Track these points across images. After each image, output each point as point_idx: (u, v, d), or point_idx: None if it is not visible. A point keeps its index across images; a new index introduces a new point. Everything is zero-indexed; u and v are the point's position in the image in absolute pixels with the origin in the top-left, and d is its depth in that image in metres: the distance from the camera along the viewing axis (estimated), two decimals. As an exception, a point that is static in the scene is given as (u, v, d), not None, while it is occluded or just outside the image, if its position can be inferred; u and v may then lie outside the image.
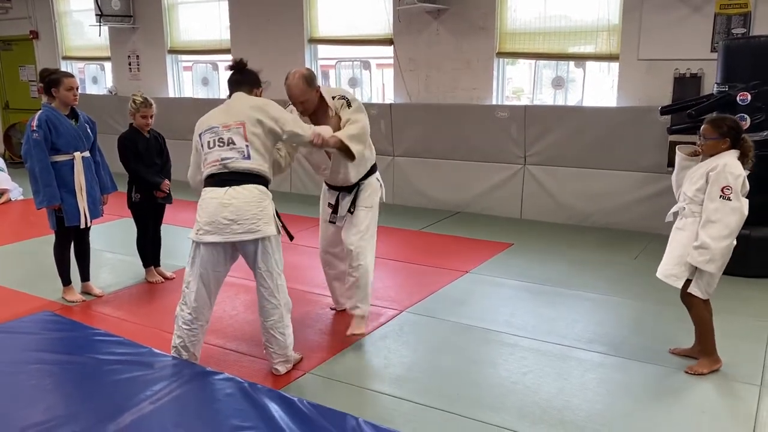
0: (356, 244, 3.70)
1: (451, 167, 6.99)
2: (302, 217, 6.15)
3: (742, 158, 3.26)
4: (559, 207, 6.50)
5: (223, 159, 3.14)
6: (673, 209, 3.47)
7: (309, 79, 3.49)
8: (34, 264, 5.19)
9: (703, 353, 3.42)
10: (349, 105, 3.57)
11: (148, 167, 4.65)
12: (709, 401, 3.16)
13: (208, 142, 3.19)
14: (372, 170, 3.85)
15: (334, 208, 3.86)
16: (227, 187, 3.11)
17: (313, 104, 3.55)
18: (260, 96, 3.43)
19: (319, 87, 3.56)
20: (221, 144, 3.15)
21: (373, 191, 3.84)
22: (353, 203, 3.78)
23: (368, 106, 7.21)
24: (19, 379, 3.18)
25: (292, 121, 3.32)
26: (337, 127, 3.51)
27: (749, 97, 4.71)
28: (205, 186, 3.21)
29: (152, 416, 2.83)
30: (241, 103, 3.28)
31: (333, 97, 3.60)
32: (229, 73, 3.43)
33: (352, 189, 3.79)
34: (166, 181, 4.71)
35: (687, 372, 3.38)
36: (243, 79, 3.38)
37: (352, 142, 3.48)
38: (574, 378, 3.36)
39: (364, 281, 3.73)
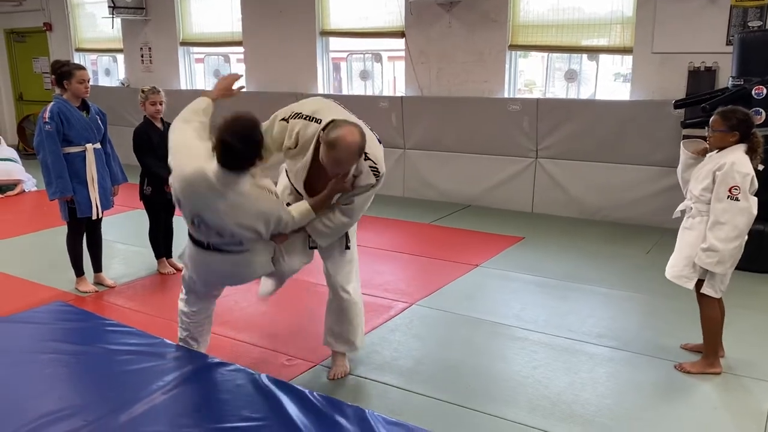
0: (351, 289, 3.21)
1: (462, 160, 6.97)
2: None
3: (751, 153, 3.16)
4: (571, 201, 6.47)
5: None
6: (680, 207, 3.41)
7: (363, 148, 2.82)
8: (47, 255, 5.23)
9: (704, 354, 3.37)
10: (372, 187, 2.96)
11: (160, 160, 4.66)
12: (720, 397, 3.14)
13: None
14: None
15: None
16: None
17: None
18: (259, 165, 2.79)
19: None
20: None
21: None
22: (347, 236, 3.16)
23: (379, 99, 7.31)
24: (32, 368, 3.21)
25: (280, 223, 2.86)
26: (346, 189, 2.95)
27: (765, 91, 4.65)
28: None
29: (164, 406, 2.86)
30: (234, 211, 2.75)
31: (366, 156, 2.88)
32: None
33: None
34: None
35: (676, 368, 3.35)
36: (231, 165, 2.68)
37: (320, 238, 3.08)
38: (584, 372, 3.35)
39: (359, 319, 3.32)
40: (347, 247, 3.19)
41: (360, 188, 2.96)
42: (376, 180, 2.94)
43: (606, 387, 3.22)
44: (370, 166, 2.90)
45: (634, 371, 3.37)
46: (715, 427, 2.88)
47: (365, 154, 2.87)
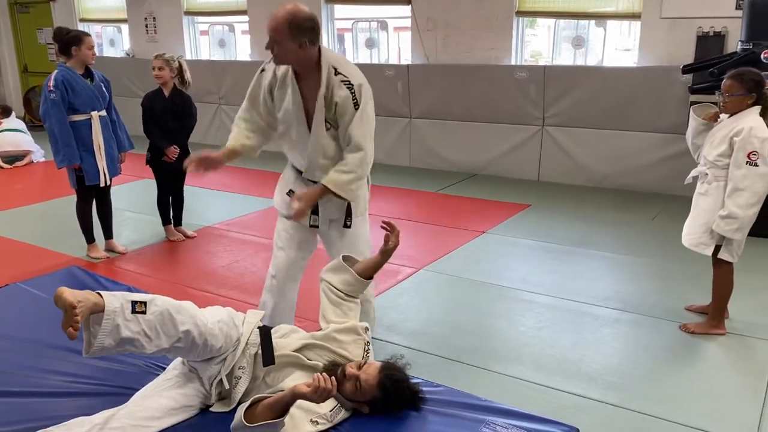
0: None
1: (468, 129, 6.96)
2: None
3: (765, 115, 3.13)
4: (578, 168, 6.47)
5: None
6: (693, 173, 3.39)
7: (296, 26, 2.55)
8: (59, 223, 5.27)
9: (710, 315, 3.41)
10: (356, 105, 2.66)
11: (160, 129, 4.68)
12: (723, 356, 3.19)
13: None
14: None
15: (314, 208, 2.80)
16: None
17: (289, 59, 2.65)
18: None
19: (311, 48, 2.62)
20: None
21: (363, 188, 2.94)
22: (349, 212, 2.84)
23: (385, 67, 7.27)
24: (48, 330, 3.28)
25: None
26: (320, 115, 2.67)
27: (774, 55, 4.62)
28: None
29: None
30: None
31: (336, 71, 2.67)
32: None
33: None
34: (172, 148, 4.66)
35: (681, 329, 3.39)
36: None
37: (343, 189, 2.71)
38: (589, 333, 3.40)
39: (372, 314, 3.16)
40: (346, 225, 2.85)
41: (345, 113, 2.67)
42: (351, 92, 2.65)
43: (611, 347, 3.27)
44: (342, 81, 2.65)
45: (640, 332, 3.41)
46: (718, 385, 2.93)
47: (335, 69, 2.66)
